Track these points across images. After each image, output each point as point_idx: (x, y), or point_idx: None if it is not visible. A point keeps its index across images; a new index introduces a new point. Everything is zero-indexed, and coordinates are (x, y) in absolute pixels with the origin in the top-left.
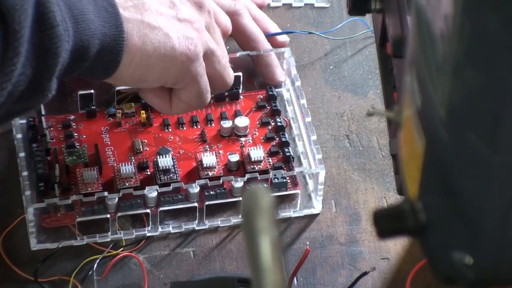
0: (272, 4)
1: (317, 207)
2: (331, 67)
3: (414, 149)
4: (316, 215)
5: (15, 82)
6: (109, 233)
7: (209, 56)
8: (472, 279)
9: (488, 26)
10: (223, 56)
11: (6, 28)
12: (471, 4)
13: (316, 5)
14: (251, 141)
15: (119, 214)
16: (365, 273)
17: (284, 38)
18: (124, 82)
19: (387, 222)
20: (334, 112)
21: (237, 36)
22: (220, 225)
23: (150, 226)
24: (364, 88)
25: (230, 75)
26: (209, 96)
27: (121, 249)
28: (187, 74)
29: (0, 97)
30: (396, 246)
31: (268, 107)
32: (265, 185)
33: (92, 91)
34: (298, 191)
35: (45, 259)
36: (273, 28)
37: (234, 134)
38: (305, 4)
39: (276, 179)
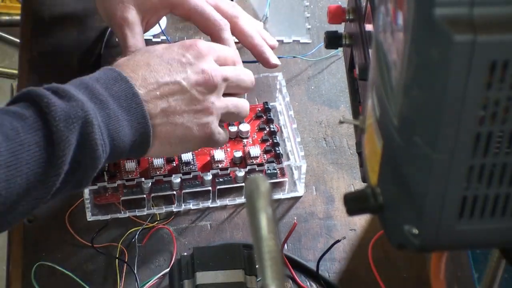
0: None
1: (300, 191)
2: (312, 87)
3: (374, 148)
4: (300, 197)
5: (55, 192)
6: (145, 209)
7: (227, 115)
8: (418, 245)
9: (430, 57)
10: (236, 105)
11: (52, 152)
12: (417, 41)
13: (301, 41)
14: (251, 142)
15: (152, 194)
16: (337, 241)
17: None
18: (153, 157)
19: (354, 203)
20: (314, 121)
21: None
22: (228, 204)
23: (176, 204)
24: (337, 102)
25: (246, 108)
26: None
27: (156, 222)
28: (207, 145)
29: (43, 199)
30: (361, 220)
31: (264, 117)
32: (262, 174)
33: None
34: (286, 179)
35: (100, 229)
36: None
37: (238, 136)
38: (293, 40)
39: (269, 170)
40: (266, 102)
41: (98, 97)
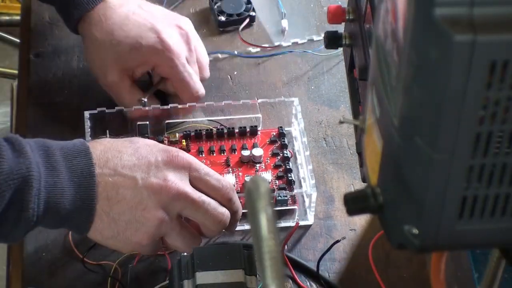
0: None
1: (310, 219)
2: (312, 87)
3: (375, 148)
4: (310, 225)
5: None
6: None
7: (186, 213)
8: (418, 245)
9: (430, 57)
10: (183, 239)
11: None
12: (417, 41)
13: (315, 39)
14: (263, 167)
15: None
16: (337, 241)
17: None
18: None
19: (354, 203)
20: (314, 121)
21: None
22: (237, 229)
23: None
24: (337, 103)
25: (215, 219)
26: (198, 241)
27: None
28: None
29: None
30: (361, 220)
31: (278, 142)
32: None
33: (147, 122)
34: (296, 207)
35: (92, 246)
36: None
37: (251, 161)
38: (307, 40)
39: (279, 197)
40: (281, 127)
41: (53, 163)
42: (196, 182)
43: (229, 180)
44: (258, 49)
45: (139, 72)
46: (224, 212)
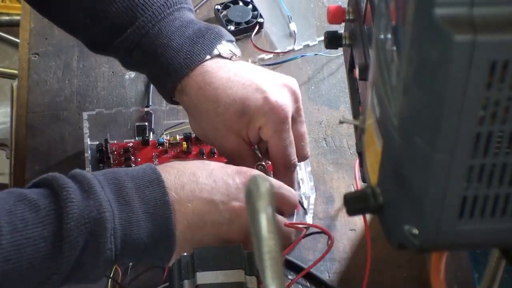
0: (296, 48)
1: (309, 220)
2: (312, 87)
3: (374, 148)
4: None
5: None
6: None
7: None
8: (418, 246)
9: (430, 57)
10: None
11: (59, 250)
12: (417, 41)
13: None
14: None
15: None
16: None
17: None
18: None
19: (354, 203)
20: (314, 121)
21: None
22: None
23: None
24: (337, 103)
25: (293, 201)
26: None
27: None
28: (238, 235)
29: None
30: (361, 220)
31: None
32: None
33: (146, 123)
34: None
35: None
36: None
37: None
38: (318, 41)
39: None
40: None
41: (125, 197)
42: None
43: None
44: (271, 55)
45: (252, 136)
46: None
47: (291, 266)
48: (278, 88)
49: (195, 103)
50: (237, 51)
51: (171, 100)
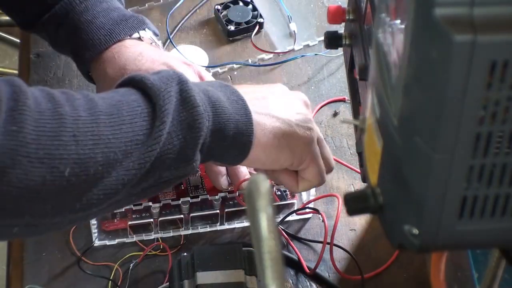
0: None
1: (308, 214)
2: (312, 87)
3: (374, 148)
4: (309, 218)
5: (162, 148)
6: (153, 233)
7: (320, 142)
8: (418, 245)
9: (430, 57)
10: (326, 145)
11: (153, 105)
12: (417, 41)
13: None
14: None
15: (161, 218)
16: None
17: None
18: (262, 163)
19: (354, 203)
20: (314, 121)
21: None
22: (237, 226)
23: (184, 227)
24: (337, 103)
25: (332, 160)
26: (325, 176)
27: (159, 250)
28: (309, 154)
29: (150, 156)
30: (361, 220)
31: None
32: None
33: None
34: (295, 200)
35: (89, 248)
36: None
37: None
38: (318, 41)
39: (279, 192)
40: None
41: (199, 85)
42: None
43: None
44: (271, 55)
45: None
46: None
47: (291, 264)
48: (185, 66)
49: (104, 72)
50: (159, 44)
51: (88, 75)
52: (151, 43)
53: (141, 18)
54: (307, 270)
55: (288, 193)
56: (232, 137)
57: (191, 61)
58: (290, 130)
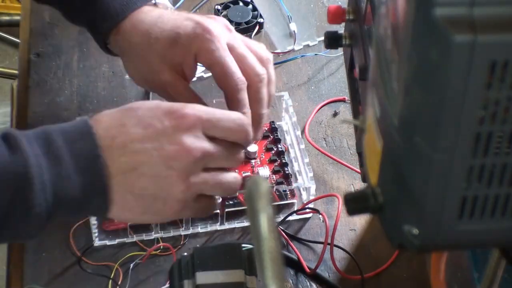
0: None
1: (308, 214)
2: (312, 87)
3: (375, 148)
4: (309, 218)
5: None
6: (153, 233)
7: (207, 188)
8: (418, 246)
9: (430, 57)
10: (219, 182)
11: None
12: (417, 41)
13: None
14: (259, 162)
15: None
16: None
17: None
18: (131, 220)
19: (354, 203)
20: (314, 121)
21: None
22: (237, 226)
23: (184, 227)
24: (337, 103)
25: (232, 186)
26: (236, 178)
27: (159, 250)
28: (186, 215)
29: None
30: (361, 220)
31: (271, 136)
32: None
33: None
34: (295, 200)
35: (89, 247)
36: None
37: (246, 157)
38: (318, 41)
39: (278, 192)
40: (273, 122)
41: (54, 152)
42: (212, 131)
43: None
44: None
45: (188, 68)
46: (240, 152)
47: (292, 264)
48: (208, 18)
49: (128, 42)
50: (173, 8)
51: (105, 47)
52: (167, 8)
53: None
54: (308, 270)
55: (288, 192)
56: (82, 213)
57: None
58: (153, 209)
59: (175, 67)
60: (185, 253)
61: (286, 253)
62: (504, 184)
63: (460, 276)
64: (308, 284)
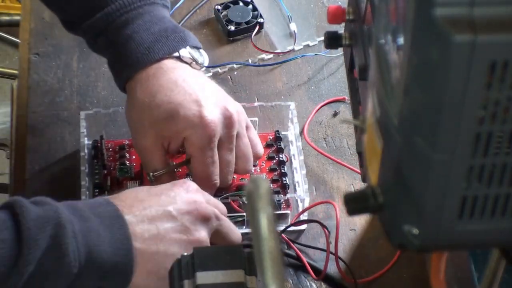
0: (296, 48)
1: (303, 225)
2: (312, 87)
3: (375, 148)
4: (303, 230)
5: None
6: None
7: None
8: (417, 245)
9: (430, 57)
10: (228, 233)
11: (19, 250)
12: (417, 41)
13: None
14: (259, 170)
15: None
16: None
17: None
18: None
19: (354, 203)
20: (314, 121)
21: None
22: None
23: None
24: (337, 103)
25: (236, 235)
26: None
27: None
28: None
29: None
30: (361, 220)
31: (275, 146)
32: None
33: None
34: (289, 211)
35: None
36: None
37: None
38: (318, 41)
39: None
40: (278, 131)
41: (79, 211)
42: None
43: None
44: (271, 55)
45: (174, 145)
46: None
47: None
48: (215, 107)
49: (137, 92)
50: (201, 59)
51: (123, 89)
52: (190, 63)
53: (183, 34)
54: (315, 277)
55: (283, 203)
56: (109, 275)
57: (232, 103)
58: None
59: (161, 137)
60: (185, 253)
61: (293, 260)
62: (504, 184)
63: (460, 276)
64: (308, 284)
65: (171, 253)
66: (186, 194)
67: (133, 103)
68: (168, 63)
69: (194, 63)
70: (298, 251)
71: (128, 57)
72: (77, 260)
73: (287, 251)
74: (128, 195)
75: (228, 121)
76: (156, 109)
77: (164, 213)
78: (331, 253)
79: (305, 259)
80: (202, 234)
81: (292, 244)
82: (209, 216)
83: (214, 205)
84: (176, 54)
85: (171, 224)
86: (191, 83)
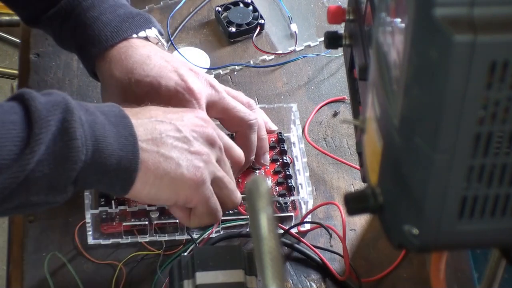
0: (298, 48)
1: (307, 225)
2: (312, 88)
3: (375, 148)
4: (307, 231)
5: (30, 175)
6: (148, 236)
7: (217, 182)
8: (417, 246)
9: (430, 57)
10: (229, 182)
11: (30, 131)
12: (417, 41)
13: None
14: (263, 173)
15: (155, 222)
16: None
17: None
18: (141, 199)
19: (354, 203)
20: (314, 121)
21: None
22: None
23: (179, 232)
24: (337, 103)
25: (237, 197)
26: (219, 215)
27: (161, 251)
28: (195, 196)
29: (13, 182)
30: (361, 220)
31: (278, 148)
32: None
33: None
34: (292, 214)
35: (88, 248)
36: (267, 148)
37: (250, 167)
38: (319, 42)
39: (278, 204)
40: (280, 133)
41: (85, 106)
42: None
43: None
44: (272, 56)
45: None
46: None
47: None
48: (193, 74)
49: (110, 72)
50: (164, 43)
51: (93, 73)
52: (157, 43)
53: (147, 16)
54: (340, 278)
55: (290, 205)
56: (113, 173)
57: (198, 68)
58: (176, 173)
59: None
60: (185, 253)
61: (317, 259)
62: (504, 184)
63: (460, 276)
64: (308, 284)
65: (170, 156)
66: (195, 117)
67: (110, 83)
68: (137, 42)
69: (159, 43)
70: (320, 255)
71: (97, 36)
72: (84, 146)
73: (309, 253)
74: (141, 110)
75: (208, 82)
76: (136, 86)
77: (170, 125)
78: (338, 254)
79: (328, 263)
80: (204, 150)
81: (313, 248)
82: (213, 138)
83: (220, 137)
84: (143, 34)
85: (174, 134)
86: (164, 56)
